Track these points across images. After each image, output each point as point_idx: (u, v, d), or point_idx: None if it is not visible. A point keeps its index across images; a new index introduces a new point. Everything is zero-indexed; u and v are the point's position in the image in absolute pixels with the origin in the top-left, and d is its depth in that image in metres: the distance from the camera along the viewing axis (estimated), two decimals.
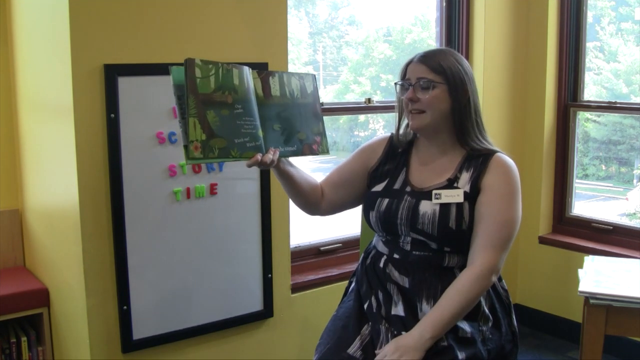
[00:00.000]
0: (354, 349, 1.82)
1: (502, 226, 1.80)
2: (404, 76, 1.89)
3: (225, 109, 1.67)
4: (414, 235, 1.84)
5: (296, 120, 1.84)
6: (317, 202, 1.99)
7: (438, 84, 1.82)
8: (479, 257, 1.79)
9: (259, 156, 1.72)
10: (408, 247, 1.86)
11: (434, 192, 1.83)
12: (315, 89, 1.91)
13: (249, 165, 1.73)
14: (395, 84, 1.92)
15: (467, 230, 1.81)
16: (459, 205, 1.80)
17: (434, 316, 1.75)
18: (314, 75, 1.92)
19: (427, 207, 1.81)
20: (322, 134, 1.91)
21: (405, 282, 1.84)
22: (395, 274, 1.86)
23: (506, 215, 1.81)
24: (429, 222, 1.80)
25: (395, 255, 1.88)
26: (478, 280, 1.77)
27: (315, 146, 1.89)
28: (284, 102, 1.82)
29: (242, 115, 1.71)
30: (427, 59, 1.85)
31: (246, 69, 1.76)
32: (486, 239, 1.79)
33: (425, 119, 1.84)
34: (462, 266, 1.84)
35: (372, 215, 1.90)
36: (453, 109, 1.84)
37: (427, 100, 1.82)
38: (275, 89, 1.81)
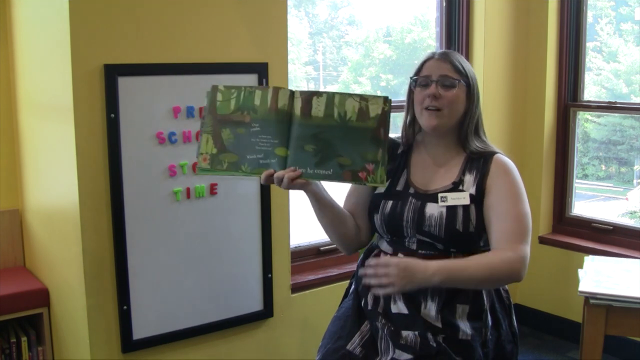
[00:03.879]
0: (353, 345, 1.82)
1: (517, 220, 1.78)
2: (419, 72, 1.86)
3: (241, 127, 1.75)
4: (420, 237, 1.83)
5: (339, 144, 1.73)
6: (357, 233, 1.95)
7: (460, 84, 1.82)
8: (508, 249, 1.76)
9: (270, 172, 1.71)
10: (414, 247, 1.86)
11: (440, 195, 1.82)
12: (384, 113, 1.73)
13: (263, 182, 1.74)
14: (412, 79, 1.88)
15: (474, 233, 1.81)
16: (465, 208, 1.80)
17: (453, 267, 1.73)
18: (387, 98, 1.75)
19: (433, 210, 1.80)
20: (379, 162, 1.74)
21: None
22: None
23: (518, 210, 1.80)
24: (435, 224, 1.80)
25: (400, 255, 1.87)
26: (510, 263, 1.74)
27: (364, 174, 1.74)
28: (327, 124, 1.73)
29: (259, 133, 1.74)
30: (450, 57, 1.84)
31: (283, 90, 1.75)
32: (507, 235, 1.76)
33: (442, 118, 1.82)
34: None
35: (377, 217, 1.89)
36: (466, 111, 1.85)
37: (449, 98, 1.81)
38: (317, 109, 1.73)
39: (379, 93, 3.71)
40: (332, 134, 1.73)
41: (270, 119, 1.74)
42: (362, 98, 1.75)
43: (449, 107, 1.81)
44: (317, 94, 1.74)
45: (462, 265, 1.74)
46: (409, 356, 1.74)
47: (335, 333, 1.89)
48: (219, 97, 1.76)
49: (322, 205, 1.85)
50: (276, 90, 1.75)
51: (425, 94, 1.83)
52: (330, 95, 1.74)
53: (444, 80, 1.82)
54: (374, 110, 1.74)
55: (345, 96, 1.74)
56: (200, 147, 1.76)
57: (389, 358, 1.76)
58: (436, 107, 1.81)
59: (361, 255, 2.05)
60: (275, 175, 1.71)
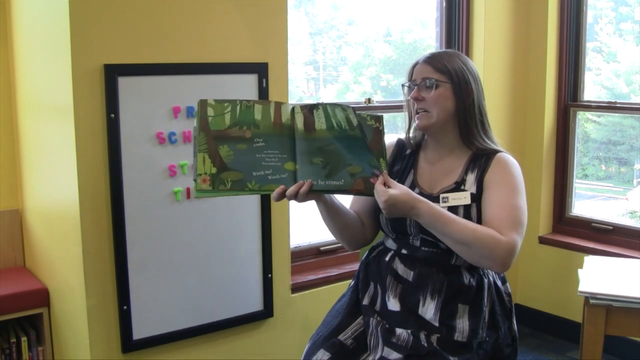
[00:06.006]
0: (345, 336, 1.85)
1: (511, 209, 1.78)
2: (410, 77, 1.91)
3: (242, 143, 1.70)
4: (423, 236, 1.85)
5: (345, 153, 1.73)
6: (363, 232, 1.97)
7: (442, 83, 1.84)
8: (500, 233, 1.74)
9: (283, 189, 1.70)
10: (417, 244, 1.88)
11: (441, 195, 1.84)
12: (359, 122, 1.73)
13: (275, 199, 1.72)
14: (403, 85, 1.94)
15: None
16: (466, 207, 1.81)
17: (441, 215, 1.72)
18: (347, 106, 1.76)
19: None
20: (380, 167, 1.75)
21: (409, 275, 1.85)
22: (401, 268, 1.87)
23: (512, 201, 1.79)
24: None
25: (404, 251, 1.90)
26: (496, 242, 1.71)
27: (375, 180, 1.73)
28: (332, 135, 1.73)
29: (264, 148, 1.71)
30: (433, 59, 1.87)
31: (285, 105, 1.73)
32: (499, 221, 1.75)
33: (430, 118, 1.85)
34: (469, 266, 1.84)
35: (382, 217, 1.91)
36: (457, 109, 1.85)
37: (431, 98, 1.83)
38: (320, 122, 1.73)
39: (379, 93, 3.71)
40: (336, 145, 1.73)
41: (276, 133, 1.72)
42: (342, 108, 1.75)
43: (435, 107, 1.84)
44: (314, 107, 1.74)
45: (450, 218, 1.73)
46: (398, 355, 1.74)
47: (329, 323, 1.92)
48: (210, 112, 1.69)
49: (332, 212, 1.86)
50: (278, 104, 1.73)
51: (411, 97, 1.88)
52: (324, 107, 1.74)
53: (424, 83, 1.85)
54: (353, 119, 1.74)
55: (333, 106, 1.75)
56: (196, 169, 1.67)
57: (377, 357, 1.77)
58: (423, 109, 1.85)
59: (365, 254, 2.06)
60: (288, 192, 1.70)
